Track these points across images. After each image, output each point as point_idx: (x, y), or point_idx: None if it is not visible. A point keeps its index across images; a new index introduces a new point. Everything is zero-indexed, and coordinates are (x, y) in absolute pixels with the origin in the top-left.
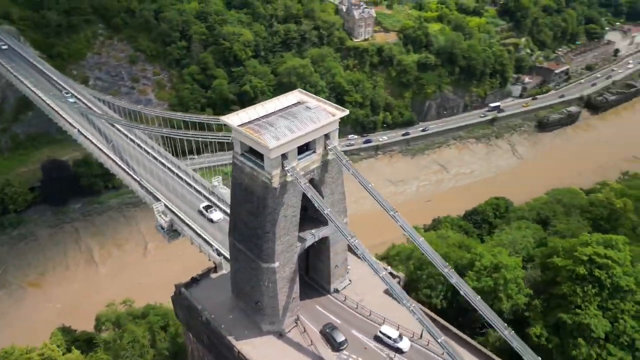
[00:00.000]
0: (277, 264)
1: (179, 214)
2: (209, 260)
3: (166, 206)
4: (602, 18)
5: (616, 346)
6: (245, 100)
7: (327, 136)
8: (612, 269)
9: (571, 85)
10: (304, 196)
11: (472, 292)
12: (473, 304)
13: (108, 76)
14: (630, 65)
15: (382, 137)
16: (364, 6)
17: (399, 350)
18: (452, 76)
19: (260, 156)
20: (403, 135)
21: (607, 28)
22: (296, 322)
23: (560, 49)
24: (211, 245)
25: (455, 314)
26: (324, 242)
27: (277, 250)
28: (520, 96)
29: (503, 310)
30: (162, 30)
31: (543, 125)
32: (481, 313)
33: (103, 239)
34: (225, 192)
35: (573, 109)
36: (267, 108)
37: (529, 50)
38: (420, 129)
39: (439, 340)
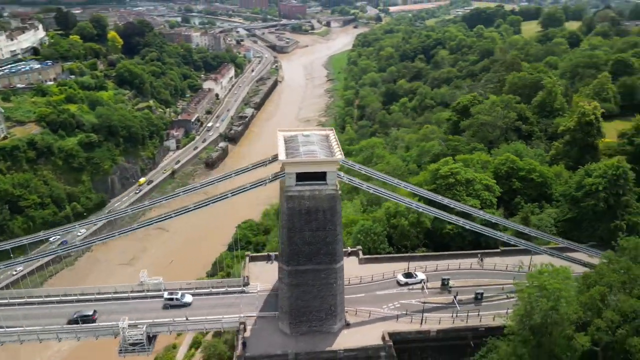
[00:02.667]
0: (343, 259)
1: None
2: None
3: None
4: (191, 73)
5: (485, 208)
6: None
7: None
8: (461, 172)
9: (206, 128)
10: None
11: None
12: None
13: None
14: (231, 103)
15: (79, 232)
16: None
17: None
18: (120, 147)
19: (318, 176)
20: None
21: (199, 80)
22: (346, 311)
23: (179, 103)
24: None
25: (396, 250)
26: None
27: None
28: (177, 147)
29: (430, 228)
30: None
31: (210, 165)
32: None
33: None
34: (157, 281)
35: (222, 144)
36: (282, 145)
37: (161, 110)
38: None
39: None
